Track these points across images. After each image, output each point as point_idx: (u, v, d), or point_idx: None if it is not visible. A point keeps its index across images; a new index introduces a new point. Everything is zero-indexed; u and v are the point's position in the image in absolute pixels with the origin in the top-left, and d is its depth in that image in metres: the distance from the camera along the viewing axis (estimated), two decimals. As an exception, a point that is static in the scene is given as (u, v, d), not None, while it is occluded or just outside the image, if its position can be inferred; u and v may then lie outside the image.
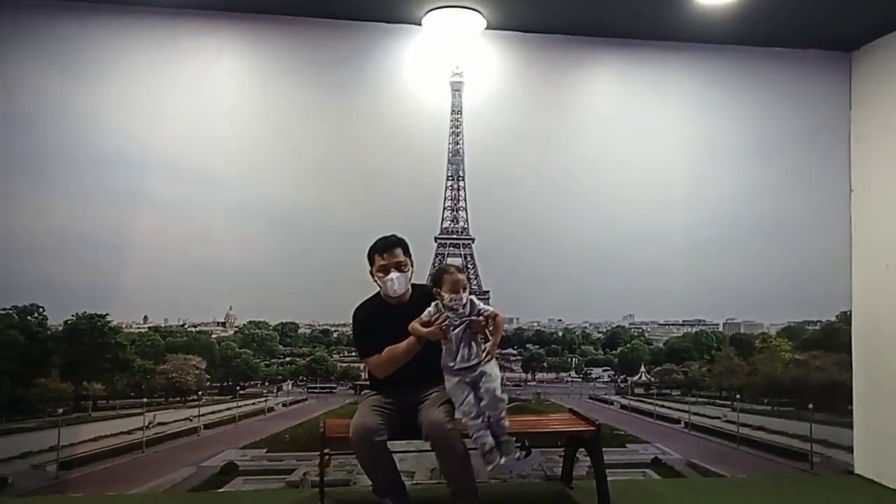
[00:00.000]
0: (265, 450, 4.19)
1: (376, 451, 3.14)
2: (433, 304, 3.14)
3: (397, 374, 3.27)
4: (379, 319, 3.31)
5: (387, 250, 3.29)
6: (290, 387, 4.30)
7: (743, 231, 4.66)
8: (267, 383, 4.29)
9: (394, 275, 3.30)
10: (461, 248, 4.39)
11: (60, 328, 4.04)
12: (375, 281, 3.24)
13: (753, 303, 4.70)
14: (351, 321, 3.04)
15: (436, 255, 3.89)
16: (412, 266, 3.27)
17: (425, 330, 3.10)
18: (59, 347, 4.02)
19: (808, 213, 4.70)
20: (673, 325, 4.66)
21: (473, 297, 3.15)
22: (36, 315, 3.99)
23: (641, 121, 4.61)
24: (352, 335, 2.99)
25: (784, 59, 4.72)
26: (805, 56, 4.74)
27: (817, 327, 4.68)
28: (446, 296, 3.12)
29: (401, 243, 3.31)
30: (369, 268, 3.16)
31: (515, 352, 4.49)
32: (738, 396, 4.64)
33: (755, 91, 4.71)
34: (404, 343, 3.18)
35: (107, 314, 4.09)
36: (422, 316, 3.13)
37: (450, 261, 4.29)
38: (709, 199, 4.65)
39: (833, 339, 4.65)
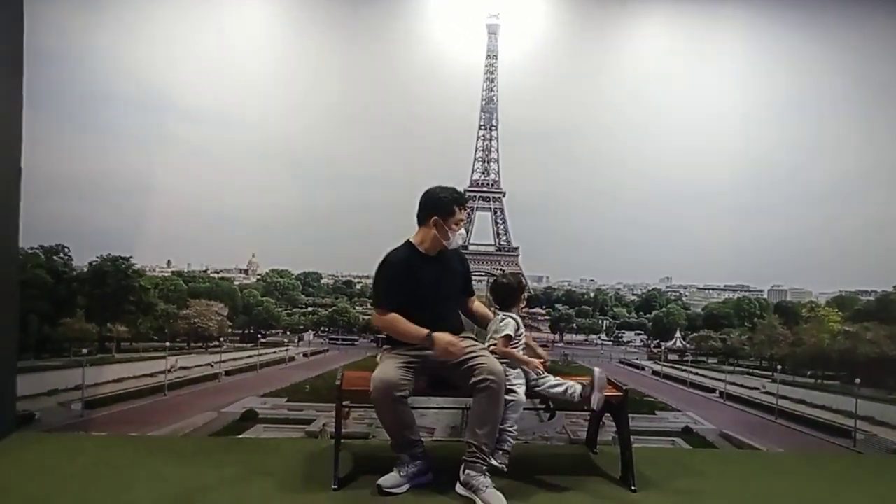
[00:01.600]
0: (285, 399, 4.18)
1: (396, 406, 3.06)
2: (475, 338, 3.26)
3: (428, 327, 3.16)
4: (411, 270, 3.21)
5: (465, 205, 3.27)
6: (311, 337, 4.27)
7: (795, 192, 4.37)
8: (288, 332, 4.26)
9: (462, 230, 3.31)
10: (491, 202, 4.25)
11: (85, 269, 4.05)
12: (439, 229, 3.17)
13: (802, 269, 4.43)
14: (377, 267, 2.90)
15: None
16: None
17: (445, 341, 3.11)
18: (84, 288, 4.05)
19: (867, 175, 4.36)
20: (713, 289, 4.45)
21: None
22: (62, 255, 4.02)
23: (690, 75, 4.32)
24: (373, 279, 2.88)
25: (850, 7, 4.32)
26: (874, 4, 4.32)
27: (871, 298, 4.39)
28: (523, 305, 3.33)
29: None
30: (436, 216, 3.05)
31: (544, 311, 4.35)
32: (779, 367, 4.42)
33: (815, 44, 4.34)
34: (412, 327, 3.11)
35: (131, 257, 4.09)
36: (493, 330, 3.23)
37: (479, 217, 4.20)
38: (760, 158, 4.37)
39: (889, 310, 4.36)
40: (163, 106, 3.95)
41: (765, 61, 4.33)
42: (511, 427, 3.10)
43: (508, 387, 3.04)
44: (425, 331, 3.08)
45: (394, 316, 3.12)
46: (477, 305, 3.44)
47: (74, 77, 3.93)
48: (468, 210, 3.15)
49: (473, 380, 3.00)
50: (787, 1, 4.29)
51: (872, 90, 4.35)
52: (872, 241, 4.35)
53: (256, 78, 4.06)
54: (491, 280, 3.45)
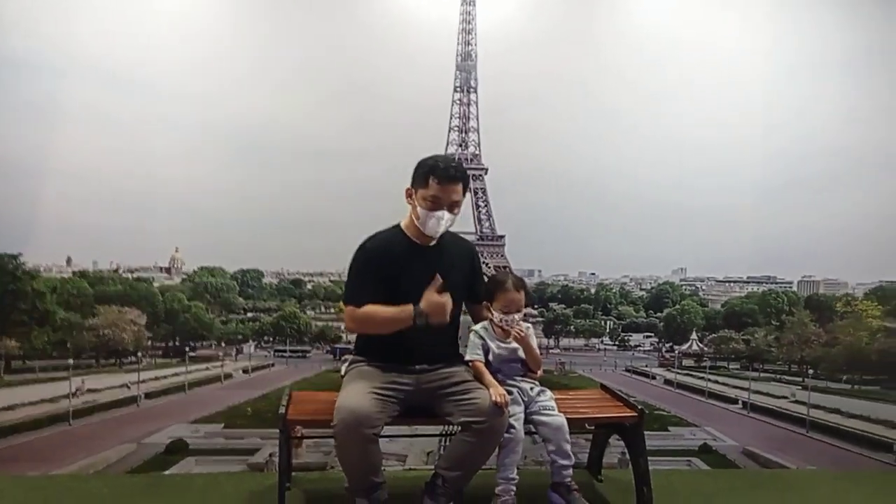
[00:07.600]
0: (222, 425, 3.62)
1: (366, 446, 2.28)
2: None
3: (407, 343, 2.39)
4: (390, 259, 2.41)
5: (449, 181, 2.35)
6: (252, 349, 3.68)
7: (831, 167, 3.83)
8: (223, 344, 3.66)
9: (443, 213, 2.38)
10: (471, 181, 3.58)
11: (-38, 270, 3.34)
12: (413, 204, 2.26)
13: (837, 257, 3.95)
14: (349, 264, 2.09)
15: (436, 188, 3.01)
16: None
17: (434, 301, 2.20)
18: (-38, 294, 3.34)
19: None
20: (735, 282, 3.98)
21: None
22: (-70, 253, 3.30)
23: (707, 28, 3.78)
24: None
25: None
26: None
27: (919, 289, 3.93)
28: (496, 315, 2.29)
29: (465, 178, 2.48)
30: (410, 187, 2.10)
31: (536, 312, 3.75)
32: (811, 371, 3.99)
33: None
34: (393, 310, 2.29)
35: (20, 254, 3.44)
36: (477, 328, 2.33)
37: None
38: (790, 127, 3.83)
39: (939, 303, 3.89)
40: (54, 62, 3.18)
41: (799, 10, 3.71)
42: (512, 476, 2.34)
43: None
44: (409, 307, 2.25)
45: (367, 308, 2.34)
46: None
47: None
48: (454, 188, 2.36)
49: (465, 418, 2.23)
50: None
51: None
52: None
53: (180, 31, 3.31)
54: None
